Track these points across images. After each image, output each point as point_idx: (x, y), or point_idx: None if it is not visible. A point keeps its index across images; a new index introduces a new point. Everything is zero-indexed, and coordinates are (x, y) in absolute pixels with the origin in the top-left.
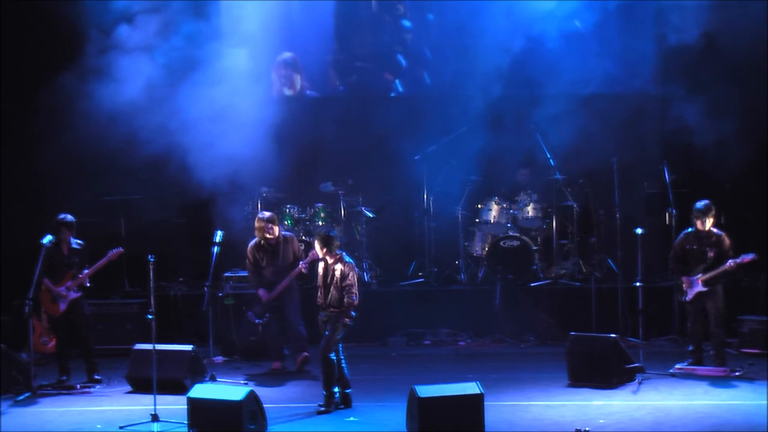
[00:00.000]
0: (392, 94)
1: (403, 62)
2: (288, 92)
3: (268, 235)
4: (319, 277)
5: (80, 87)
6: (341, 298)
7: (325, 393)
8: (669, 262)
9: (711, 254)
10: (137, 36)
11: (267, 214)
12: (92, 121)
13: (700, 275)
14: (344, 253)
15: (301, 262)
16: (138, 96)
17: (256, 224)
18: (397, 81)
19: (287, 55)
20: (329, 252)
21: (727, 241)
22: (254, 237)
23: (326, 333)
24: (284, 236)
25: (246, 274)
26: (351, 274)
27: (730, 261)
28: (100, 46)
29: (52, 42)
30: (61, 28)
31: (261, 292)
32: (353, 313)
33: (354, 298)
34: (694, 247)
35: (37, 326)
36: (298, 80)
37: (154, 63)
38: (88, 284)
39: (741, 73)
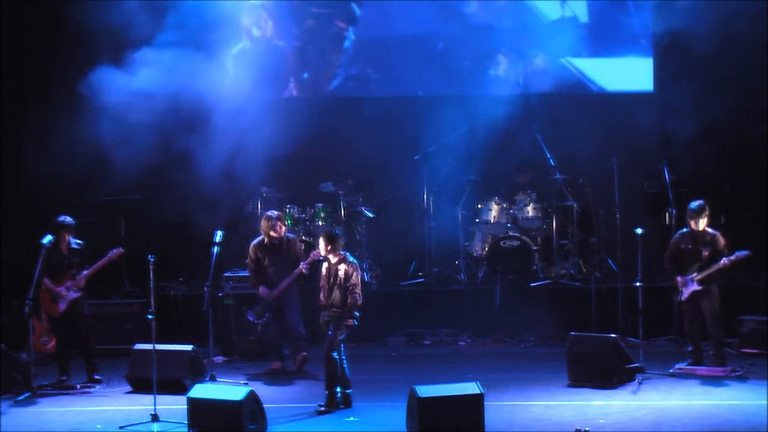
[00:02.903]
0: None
1: (358, 11)
2: (256, 34)
3: (273, 233)
4: (321, 276)
5: (79, 87)
6: (344, 299)
7: (327, 393)
8: (664, 261)
9: (706, 253)
10: (137, 35)
11: (276, 212)
12: (92, 121)
13: (695, 274)
14: (348, 253)
15: (302, 263)
16: (137, 96)
17: (263, 222)
18: (350, 29)
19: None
20: (333, 250)
21: (721, 240)
22: (257, 236)
23: (329, 333)
24: (287, 237)
25: (246, 274)
26: (355, 274)
27: (724, 259)
28: (99, 47)
29: (52, 42)
30: (61, 29)
31: (262, 289)
32: (357, 313)
33: (357, 298)
34: (689, 246)
35: (37, 326)
36: (269, 25)
37: (153, 62)
38: (84, 282)
39: (741, 73)
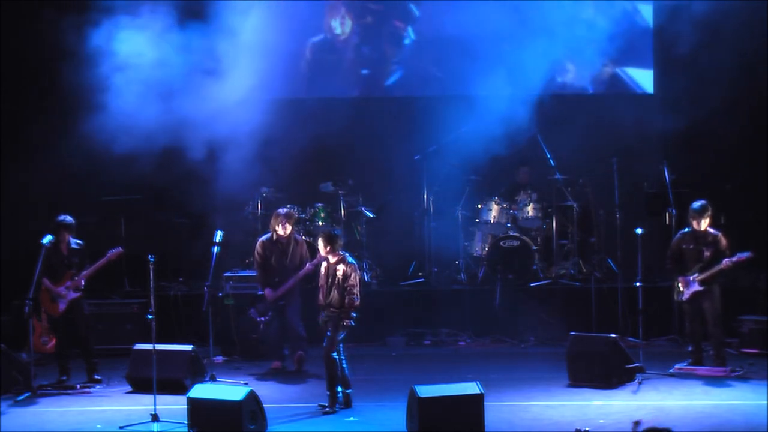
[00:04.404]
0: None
1: (416, 12)
2: (337, 29)
3: (279, 230)
4: (320, 276)
5: (80, 87)
6: (342, 299)
7: (329, 393)
8: (666, 261)
9: (707, 254)
10: (138, 33)
11: (285, 210)
12: (92, 121)
13: (696, 275)
14: (347, 254)
15: (308, 263)
16: (138, 95)
17: (272, 219)
18: (409, 27)
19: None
20: (332, 251)
21: (723, 240)
22: (261, 234)
23: (328, 333)
24: (295, 238)
25: (246, 274)
26: (353, 274)
27: (725, 260)
28: (100, 45)
29: (53, 41)
30: (62, 27)
31: (267, 291)
32: (354, 314)
33: (355, 298)
34: (691, 246)
35: (37, 326)
36: (348, 23)
37: (155, 61)
38: (83, 282)
39: (741, 73)
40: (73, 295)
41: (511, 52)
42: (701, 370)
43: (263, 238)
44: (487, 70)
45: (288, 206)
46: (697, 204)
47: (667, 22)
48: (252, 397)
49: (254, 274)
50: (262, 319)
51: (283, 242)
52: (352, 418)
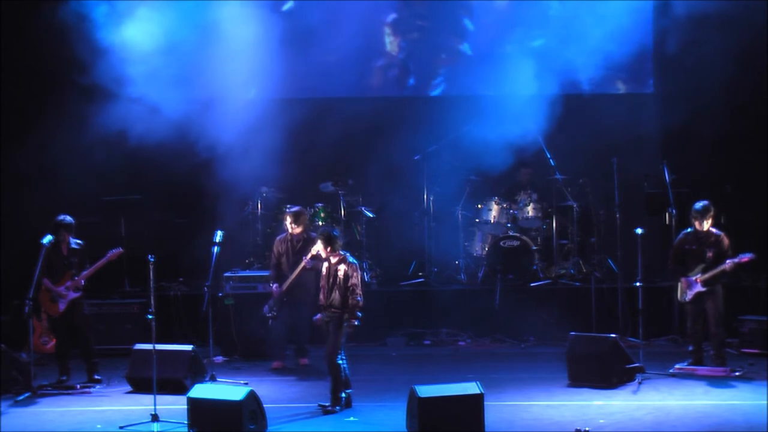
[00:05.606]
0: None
1: (471, 26)
2: (390, 50)
3: (289, 228)
4: (321, 277)
5: (81, 85)
6: (344, 299)
7: (332, 396)
8: (668, 262)
9: (710, 254)
10: (140, 33)
11: (294, 208)
12: (92, 121)
13: (698, 275)
14: (348, 254)
15: (303, 258)
16: (138, 96)
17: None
18: (466, 44)
19: (392, 15)
20: (332, 251)
21: (725, 241)
22: (282, 231)
23: (330, 335)
24: (308, 235)
25: (245, 274)
26: (355, 274)
27: (728, 261)
28: (102, 46)
29: (54, 41)
30: (65, 28)
31: (274, 286)
32: (359, 314)
33: (358, 298)
34: (693, 247)
35: (37, 326)
36: (395, 42)
37: (157, 61)
38: (83, 283)
39: (742, 73)
40: (73, 295)
41: (511, 52)
42: (701, 370)
43: (279, 236)
44: (488, 71)
45: (288, 207)
46: (699, 204)
47: (666, 21)
48: (252, 397)
49: (254, 274)
50: (271, 315)
51: (296, 240)
52: (352, 418)
